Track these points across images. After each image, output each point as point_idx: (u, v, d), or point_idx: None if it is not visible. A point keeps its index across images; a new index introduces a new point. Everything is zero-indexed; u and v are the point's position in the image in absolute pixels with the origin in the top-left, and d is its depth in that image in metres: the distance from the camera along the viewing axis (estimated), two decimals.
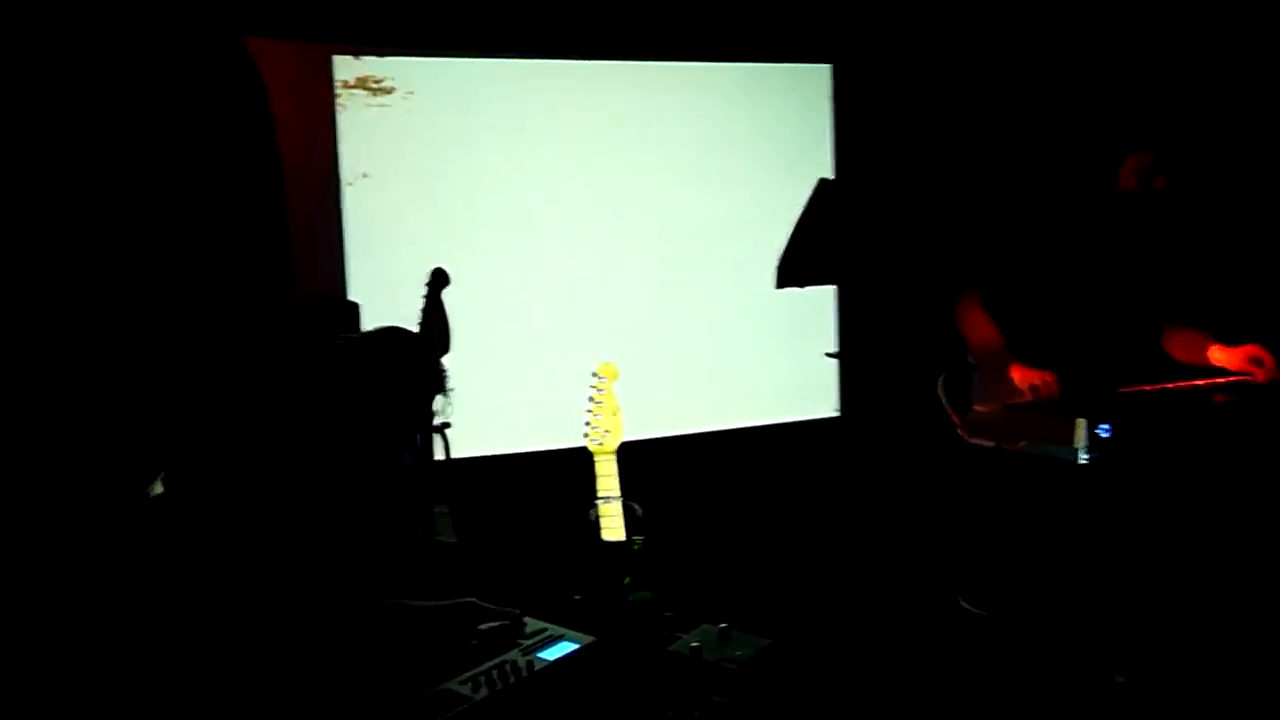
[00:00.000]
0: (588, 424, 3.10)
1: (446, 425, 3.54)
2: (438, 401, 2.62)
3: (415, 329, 3.50)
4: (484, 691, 2.09)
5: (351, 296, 3.97)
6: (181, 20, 3.45)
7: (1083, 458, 2.56)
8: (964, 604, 3.33)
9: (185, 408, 2.68)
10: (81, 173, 3.16)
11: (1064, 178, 3.45)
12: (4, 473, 2.40)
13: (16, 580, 2.17)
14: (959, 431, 3.28)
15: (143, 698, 1.99)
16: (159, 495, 2.12)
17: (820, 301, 4.73)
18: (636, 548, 2.76)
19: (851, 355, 4.69)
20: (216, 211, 3.47)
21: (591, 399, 3.13)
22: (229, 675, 1.99)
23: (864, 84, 4.64)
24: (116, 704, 1.99)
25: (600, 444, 3.05)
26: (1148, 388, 2.84)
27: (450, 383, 2.68)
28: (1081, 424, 2.55)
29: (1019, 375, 2.96)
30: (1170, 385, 2.85)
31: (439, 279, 3.48)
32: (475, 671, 2.14)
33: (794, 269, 4.25)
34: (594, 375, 3.17)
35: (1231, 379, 2.87)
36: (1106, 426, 2.53)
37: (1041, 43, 4.29)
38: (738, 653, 2.32)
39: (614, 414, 3.10)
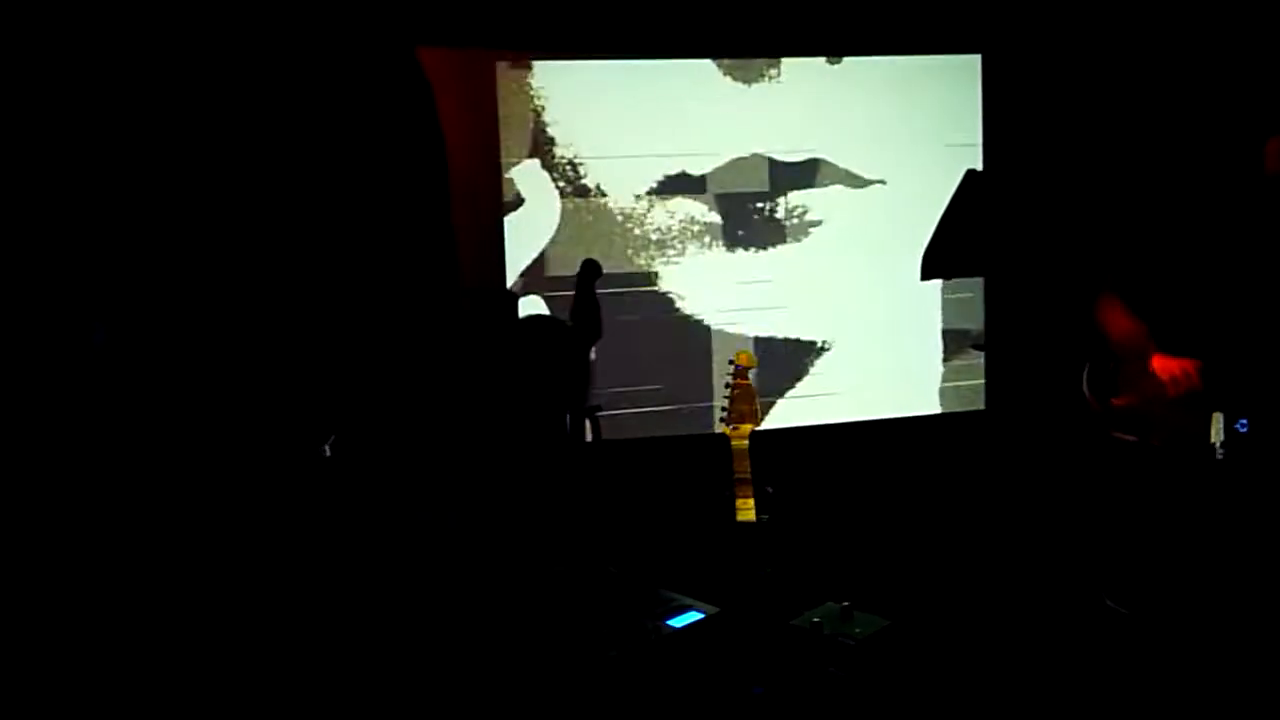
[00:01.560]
0: (725, 409, 3.23)
1: (597, 409, 3.73)
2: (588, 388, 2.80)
3: (568, 319, 3.72)
4: (614, 653, 2.26)
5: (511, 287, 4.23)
6: (356, 31, 3.77)
7: (1219, 453, 2.52)
8: (1109, 602, 3.28)
9: (361, 382, 2.95)
10: (268, 176, 3.52)
11: (1206, 163, 3.35)
12: (203, 432, 2.72)
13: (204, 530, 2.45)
14: (1102, 424, 3.25)
15: (317, 645, 2.25)
16: (330, 456, 2.38)
17: (968, 294, 4.70)
18: (763, 523, 2.86)
19: (998, 348, 4.64)
20: (388, 209, 3.78)
21: (729, 385, 3.26)
22: (392, 628, 2.23)
23: (1012, 75, 4.58)
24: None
25: (735, 427, 3.17)
26: None
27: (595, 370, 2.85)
28: (1218, 418, 2.51)
29: (1159, 365, 2.90)
30: None
31: (590, 270, 3.66)
32: (609, 633, 2.32)
33: (941, 260, 4.26)
34: (731, 363, 3.30)
35: None
36: (1244, 421, 2.48)
37: (1184, 27, 4.14)
38: (857, 630, 2.41)
39: (750, 400, 3.22)
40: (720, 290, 4.48)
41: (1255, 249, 2.98)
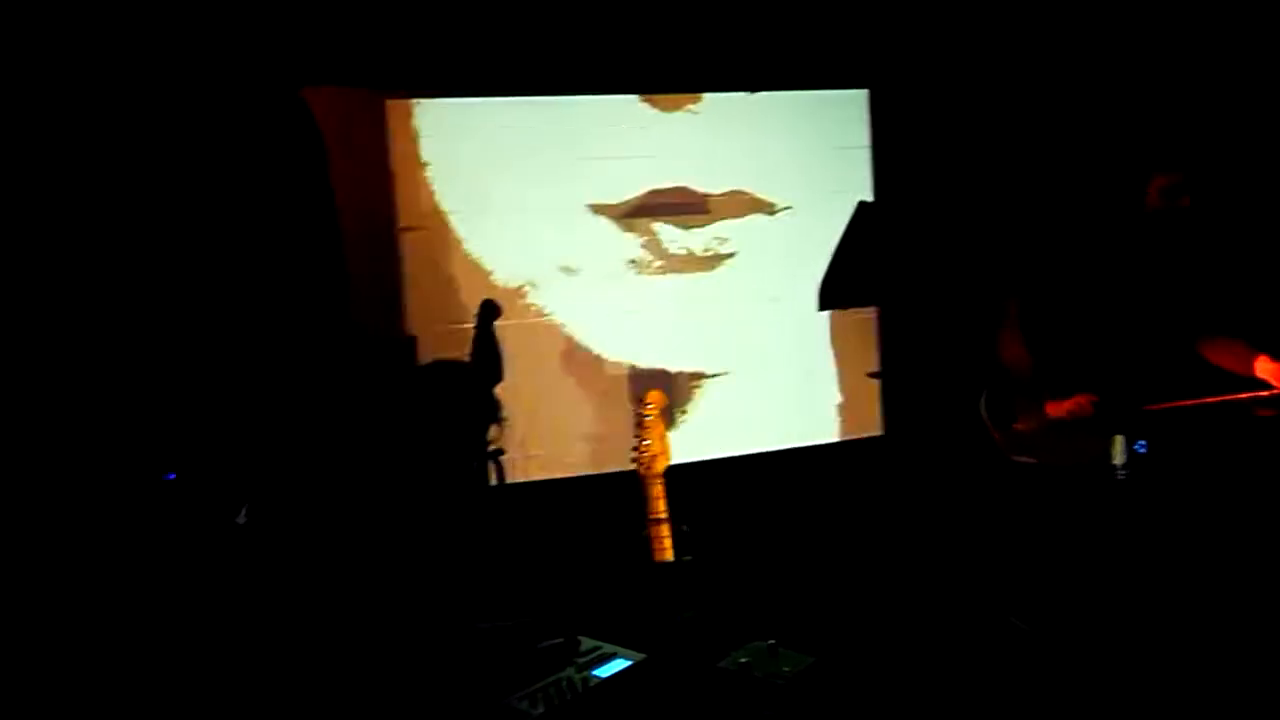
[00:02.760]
0: (636, 449, 3.20)
1: (500, 452, 3.66)
2: (491, 430, 2.73)
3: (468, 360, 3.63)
4: (541, 708, 2.19)
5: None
6: (241, 71, 3.63)
7: (1120, 474, 2.61)
8: (1014, 620, 3.36)
9: (262, 444, 2.82)
10: (153, 231, 3.34)
11: (1093, 198, 3.50)
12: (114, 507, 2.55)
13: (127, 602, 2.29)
14: (1000, 449, 3.34)
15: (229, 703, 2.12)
16: (243, 524, 2.26)
17: (861, 323, 4.80)
18: (684, 565, 2.84)
19: (893, 375, 4.74)
20: (277, 253, 3.63)
21: (639, 424, 3.24)
22: (305, 687, 2.11)
23: (900, 108, 4.71)
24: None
25: (649, 468, 3.15)
26: (1183, 403, 2.87)
27: (503, 411, 2.79)
28: (1119, 440, 2.61)
29: (1052, 410, 3.05)
30: (1205, 400, 2.88)
31: (489, 311, 3.60)
32: (534, 688, 2.25)
33: (836, 290, 4.35)
34: (641, 402, 3.28)
35: (1272, 392, 2.89)
36: (1143, 442, 2.58)
37: (1070, 66, 4.34)
38: (785, 668, 2.39)
39: (661, 439, 3.20)
40: (622, 325, 4.46)
41: (1139, 281, 3.13)
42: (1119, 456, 2.59)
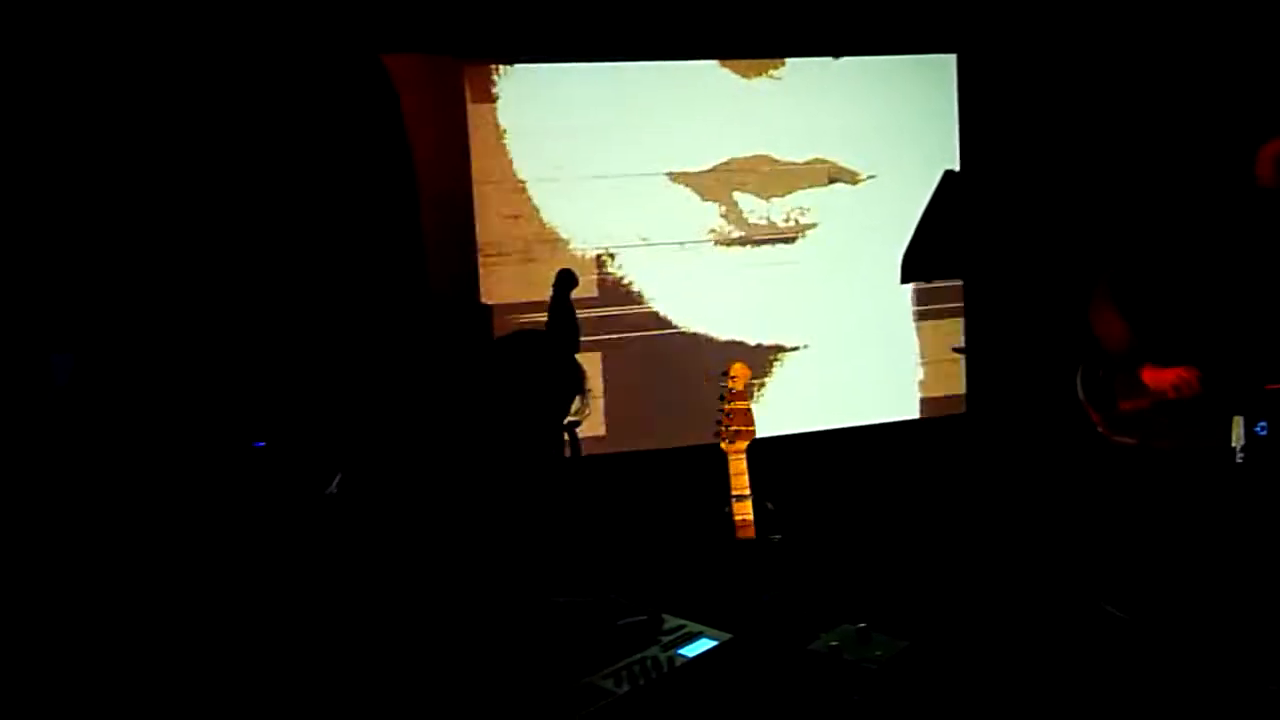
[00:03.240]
0: (719, 423, 3.13)
1: (576, 423, 3.61)
2: (574, 401, 2.68)
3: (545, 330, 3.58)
4: (626, 686, 2.13)
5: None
6: (321, 37, 3.60)
7: (1239, 456, 2.47)
8: (1108, 608, 3.23)
9: (350, 414, 2.80)
10: (231, 193, 3.34)
11: (1200, 172, 3.33)
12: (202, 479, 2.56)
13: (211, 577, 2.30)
14: (1099, 429, 3.19)
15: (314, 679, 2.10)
16: (333, 495, 2.23)
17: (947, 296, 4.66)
18: (773, 544, 2.77)
19: (979, 351, 4.59)
20: (355, 223, 3.61)
21: (723, 398, 3.16)
22: (393, 664, 2.08)
23: (989, 75, 4.54)
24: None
25: (732, 442, 3.07)
26: None
27: (585, 382, 2.73)
28: (1239, 421, 2.46)
29: (1150, 377, 2.88)
30: None
31: (566, 281, 3.53)
32: (617, 666, 2.19)
33: (920, 263, 4.20)
34: (725, 374, 3.19)
35: None
36: (1264, 424, 2.43)
37: (1175, 32, 4.13)
38: (877, 653, 2.31)
39: (745, 413, 3.12)
40: (709, 297, 4.37)
41: (1251, 258, 2.96)
42: (1238, 439, 2.45)
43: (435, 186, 3.94)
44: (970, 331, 4.68)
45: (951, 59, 4.59)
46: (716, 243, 4.37)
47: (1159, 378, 2.89)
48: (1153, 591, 3.09)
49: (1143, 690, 2.77)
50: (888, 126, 4.54)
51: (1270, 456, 2.46)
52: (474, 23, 3.92)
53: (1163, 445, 2.92)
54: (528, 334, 2.85)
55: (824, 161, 4.49)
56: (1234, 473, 2.55)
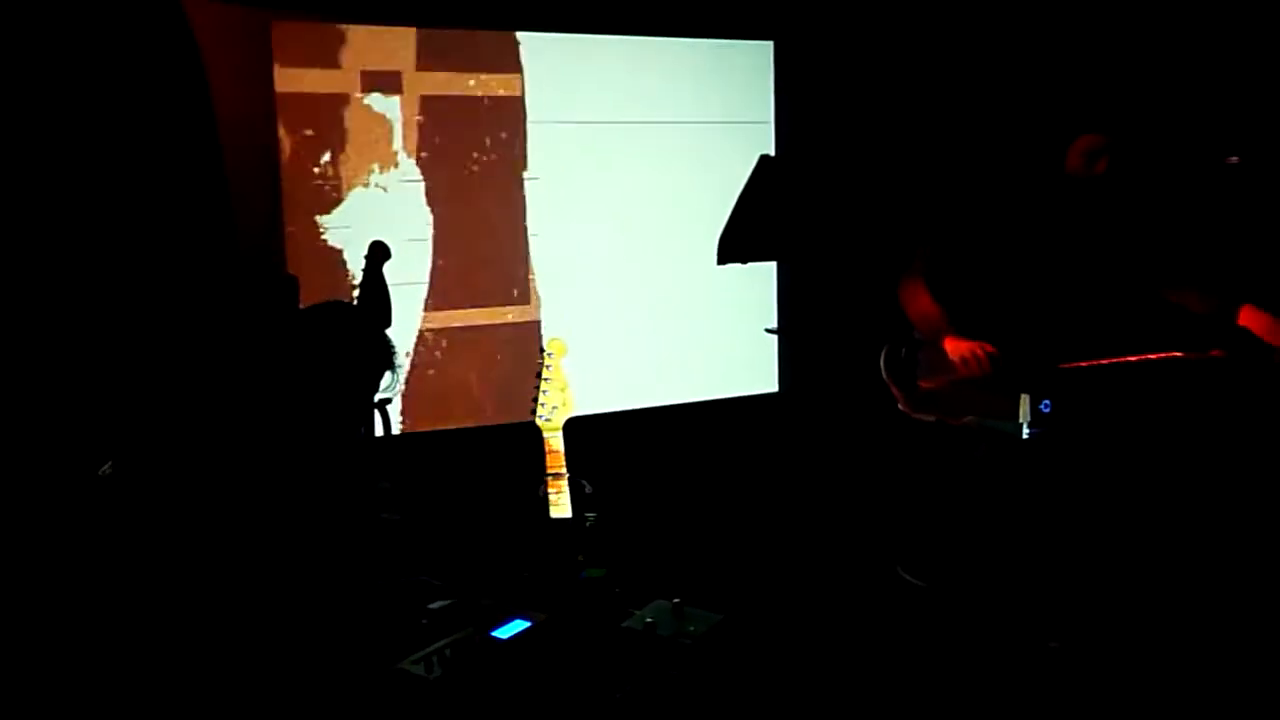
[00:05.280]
0: (536, 400, 3.07)
1: (387, 401, 3.48)
2: (385, 377, 2.57)
3: (354, 303, 3.44)
4: (438, 671, 2.07)
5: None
6: None
7: (1026, 432, 2.61)
8: (903, 574, 3.39)
9: (130, 390, 2.58)
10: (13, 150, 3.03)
11: (1011, 156, 3.49)
12: None
13: None
14: (900, 406, 3.32)
15: (94, 673, 1.93)
16: (109, 476, 2.05)
17: (762, 277, 4.75)
18: (588, 524, 2.74)
19: (792, 331, 4.72)
20: (153, 185, 3.34)
21: (540, 374, 3.10)
22: (181, 654, 1.94)
23: (805, 61, 4.64)
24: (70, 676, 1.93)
25: (549, 420, 3.03)
26: (1085, 364, 2.89)
27: (396, 358, 2.63)
28: (1026, 399, 2.60)
29: (951, 346, 2.99)
30: (1108, 361, 2.91)
31: (378, 252, 3.40)
32: (428, 650, 2.12)
33: (735, 245, 4.27)
34: (543, 351, 3.14)
35: (1166, 355, 2.94)
36: (1048, 402, 2.58)
37: (988, 21, 4.32)
38: (691, 628, 2.32)
39: (563, 389, 3.08)
40: (525, 273, 4.30)
41: (1053, 241, 3.13)
42: (1025, 415, 2.59)
43: (239, 147, 3.71)
44: (783, 312, 4.80)
45: (769, 46, 4.67)
46: (538, 223, 4.31)
47: (957, 346, 3.01)
48: (946, 559, 3.26)
49: (937, 650, 2.91)
50: (709, 108, 4.59)
51: (1054, 432, 2.61)
52: None
53: (958, 422, 3.06)
54: (336, 306, 2.71)
55: (639, 142, 4.50)
56: (1021, 448, 2.70)
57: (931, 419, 3.26)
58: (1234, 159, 2.97)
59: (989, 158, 3.91)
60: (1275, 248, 3.46)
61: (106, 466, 1.98)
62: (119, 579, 1.95)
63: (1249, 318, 2.93)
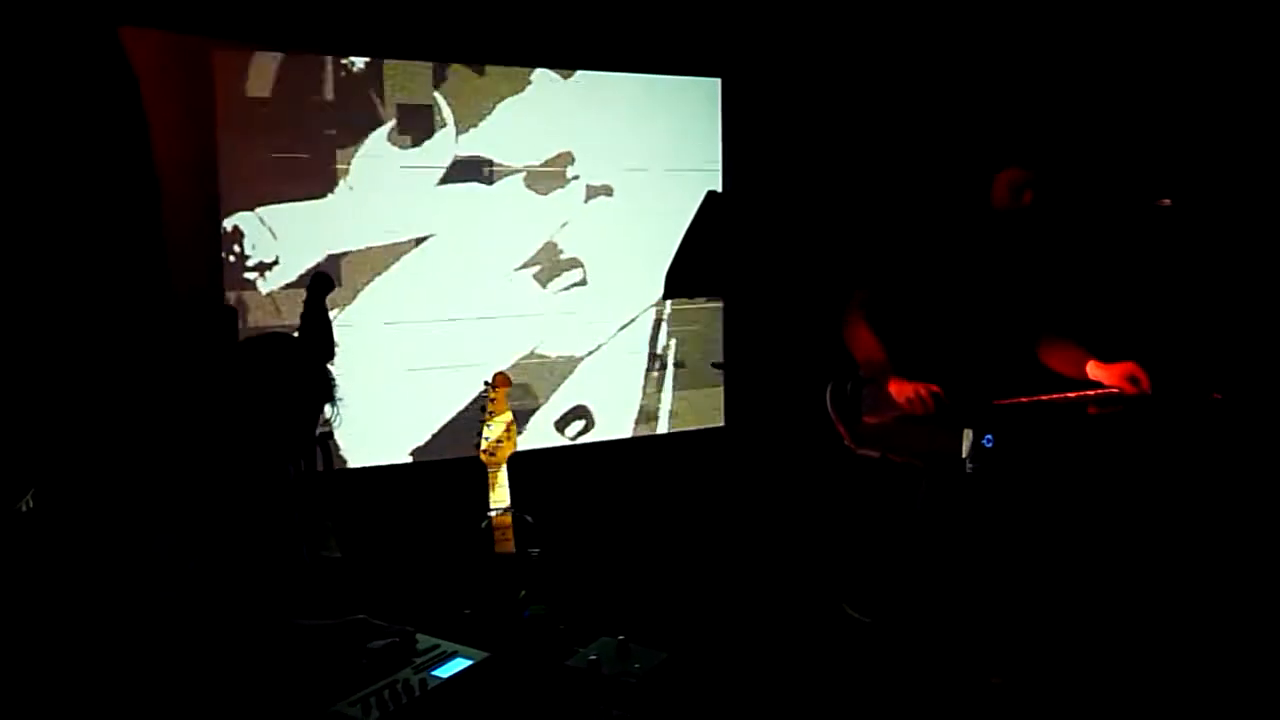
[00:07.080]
0: (479, 434, 3.04)
1: (327, 435, 3.41)
2: (326, 410, 2.52)
3: (296, 335, 3.38)
4: (375, 713, 2.01)
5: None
6: (52, 10, 3.24)
7: (968, 467, 2.63)
8: (849, 610, 3.39)
9: (56, 420, 2.50)
10: None
11: (940, 193, 3.55)
12: None
13: None
14: (846, 443, 3.34)
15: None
16: (30, 510, 1.98)
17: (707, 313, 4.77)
18: (532, 560, 2.72)
19: (737, 366, 4.74)
20: (86, 212, 3.27)
21: (484, 409, 3.08)
22: (102, 694, 1.87)
23: (752, 98, 4.70)
24: None
25: (493, 455, 3.00)
26: (1024, 400, 2.93)
27: (338, 391, 2.58)
28: (968, 434, 2.63)
29: (895, 388, 3.02)
30: (1045, 397, 2.96)
31: (321, 283, 3.35)
32: (366, 692, 2.06)
33: (682, 279, 4.27)
34: (486, 384, 3.12)
35: (1103, 391, 3.00)
36: (990, 437, 2.61)
37: (921, 60, 4.42)
38: (636, 665, 2.30)
39: (506, 425, 3.05)
40: (469, 305, 4.27)
41: (983, 277, 3.18)
42: (967, 451, 2.62)
43: (178, 178, 3.64)
44: (729, 347, 4.82)
45: (716, 83, 4.72)
46: (482, 256, 4.29)
47: (902, 388, 3.03)
48: (891, 595, 3.27)
49: (882, 686, 2.91)
50: (657, 146, 4.61)
51: (995, 467, 2.64)
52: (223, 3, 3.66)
53: (902, 457, 3.08)
54: (275, 338, 2.65)
55: (588, 176, 4.51)
56: (964, 482, 2.72)
57: (876, 455, 3.28)
58: (1166, 201, 3.03)
59: (920, 196, 3.98)
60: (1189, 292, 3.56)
61: (27, 499, 1.91)
62: (33, 613, 1.88)
63: (1096, 372, 3.03)
